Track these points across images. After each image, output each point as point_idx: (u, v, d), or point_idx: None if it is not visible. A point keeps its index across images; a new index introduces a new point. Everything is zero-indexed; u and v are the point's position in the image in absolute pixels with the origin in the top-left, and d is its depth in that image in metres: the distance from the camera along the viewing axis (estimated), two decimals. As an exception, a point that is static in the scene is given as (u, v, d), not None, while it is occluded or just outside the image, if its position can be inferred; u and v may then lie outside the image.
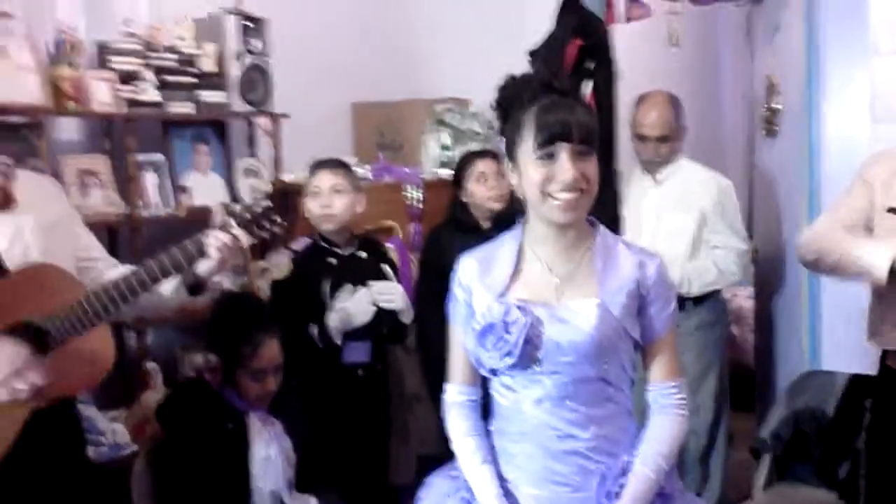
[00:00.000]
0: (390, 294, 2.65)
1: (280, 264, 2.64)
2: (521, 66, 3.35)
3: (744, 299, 4.51)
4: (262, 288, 2.79)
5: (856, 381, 2.74)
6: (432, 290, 2.82)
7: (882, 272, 1.99)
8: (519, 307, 1.65)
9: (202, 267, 1.98)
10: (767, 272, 3.61)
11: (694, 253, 3.12)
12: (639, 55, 4.10)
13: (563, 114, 1.62)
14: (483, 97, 3.77)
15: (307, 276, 2.64)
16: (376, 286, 2.63)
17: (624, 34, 3.79)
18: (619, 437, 1.70)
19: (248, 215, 2.03)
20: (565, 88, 1.71)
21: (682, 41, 5.00)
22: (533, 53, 3.35)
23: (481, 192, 2.96)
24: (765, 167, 3.71)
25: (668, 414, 1.73)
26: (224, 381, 2.34)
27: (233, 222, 1.98)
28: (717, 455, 3.22)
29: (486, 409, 1.80)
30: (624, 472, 1.66)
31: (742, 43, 4.37)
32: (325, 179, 2.67)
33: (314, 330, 2.59)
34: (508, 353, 1.63)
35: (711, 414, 3.18)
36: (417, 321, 2.83)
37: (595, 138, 1.65)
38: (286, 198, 3.24)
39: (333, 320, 2.57)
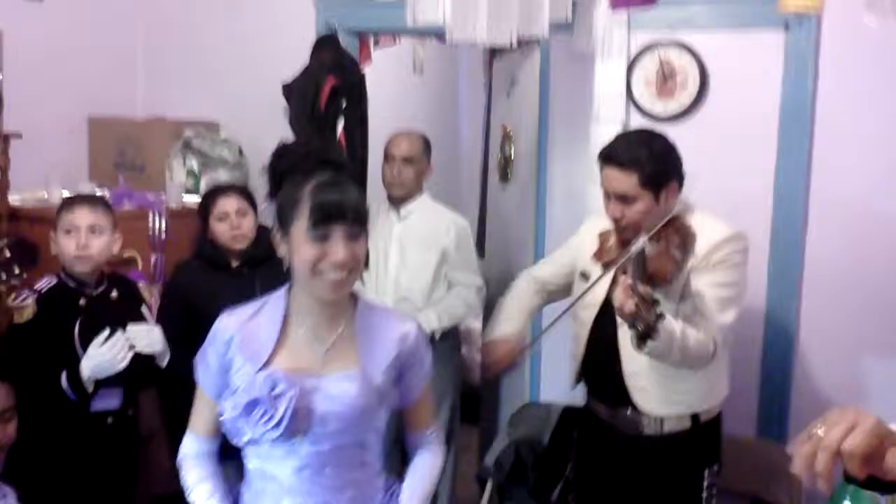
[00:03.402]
0: (149, 338, 2.51)
1: (23, 307, 2.43)
2: (274, 96, 3.39)
3: (472, 320, 4.82)
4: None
5: (567, 412, 3.04)
6: (175, 327, 2.76)
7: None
8: (285, 379, 1.66)
9: None
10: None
11: (434, 287, 3.31)
12: (385, 80, 4.25)
13: (337, 194, 1.65)
14: (233, 122, 3.77)
15: (54, 319, 2.46)
16: (132, 329, 2.47)
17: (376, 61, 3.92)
18: (373, 495, 1.80)
19: None
20: (341, 163, 1.77)
21: (427, 71, 5.25)
22: (287, 87, 3.37)
23: (223, 231, 2.84)
24: (498, 210, 4.01)
25: (429, 451, 1.90)
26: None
27: None
28: (445, 479, 3.45)
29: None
30: None
31: (480, 89, 4.64)
32: (83, 217, 2.48)
33: (63, 378, 2.40)
34: (275, 427, 1.64)
35: (443, 437, 3.40)
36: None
37: (365, 217, 1.70)
38: (16, 222, 3.02)
39: (87, 368, 2.39)
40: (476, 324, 4.62)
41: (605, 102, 3.18)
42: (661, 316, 1.97)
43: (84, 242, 2.46)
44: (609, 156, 2.26)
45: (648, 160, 2.21)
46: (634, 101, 3.12)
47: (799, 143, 2.90)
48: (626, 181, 2.21)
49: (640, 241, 1.99)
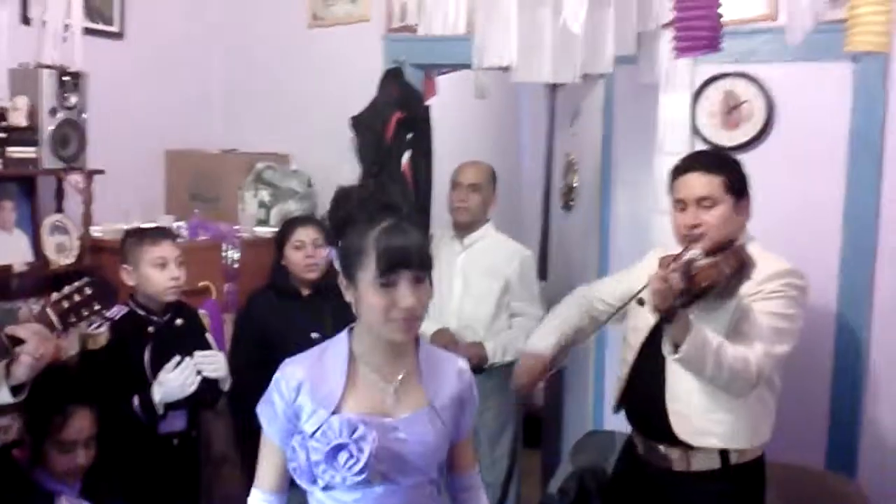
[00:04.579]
0: (215, 363, 2.65)
1: (97, 334, 2.57)
2: (342, 129, 3.49)
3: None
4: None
5: (631, 440, 3.05)
6: (248, 355, 2.88)
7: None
8: (362, 422, 1.66)
9: (19, 372, 1.91)
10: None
11: (496, 317, 3.34)
12: (449, 106, 4.32)
13: (402, 240, 1.64)
14: (303, 154, 3.88)
15: (125, 346, 2.59)
16: (200, 356, 2.62)
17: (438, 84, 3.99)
18: None
19: (66, 304, 1.99)
20: (402, 206, 1.78)
21: (489, 97, 5.30)
22: (355, 121, 3.46)
23: (297, 260, 2.98)
24: (561, 238, 4.04)
25: (475, 495, 1.90)
26: (33, 458, 2.27)
27: (50, 313, 1.94)
28: (510, 506, 3.48)
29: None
30: None
31: (542, 117, 4.67)
32: (170, 250, 2.67)
33: (136, 402, 2.54)
34: (360, 471, 1.64)
35: (506, 469, 3.43)
36: (232, 385, 2.85)
37: (429, 260, 1.70)
38: (98, 254, 3.16)
39: (159, 392, 2.54)
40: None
41: (670, 133, 3.17)
42: (685, 304, 1.96)
43: (177, 274, 2.64)
44: (691, 161, 2.32)
45: (732, 166, 2.29)
46: (699, 132, 3.13)
47: (868, 175, 2.87)
48: (709, 184, 2.24)
49: (695, 250, 2.02)
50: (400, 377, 1.74)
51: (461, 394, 1.81)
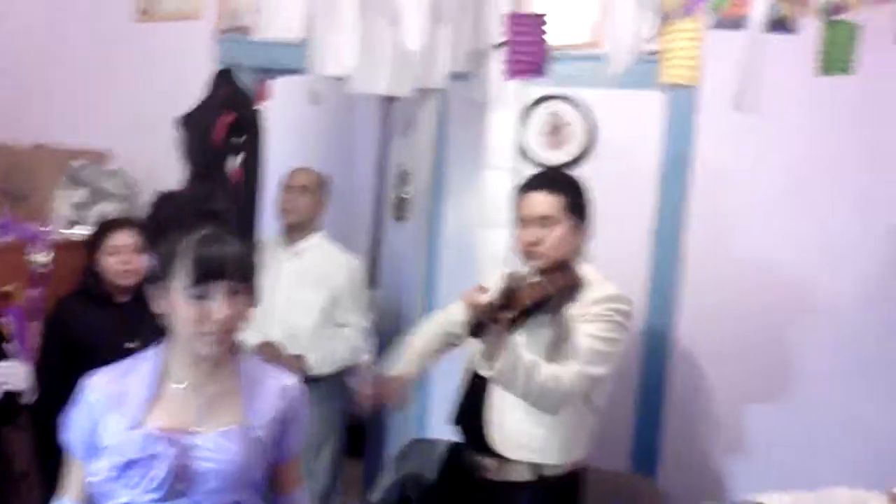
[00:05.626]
0: (13, 375, 2.46)
1: None
2: (168, 128, 3.35)
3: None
4: None
5: (454, 448, 3.09)
6: (56, 365, 2.69)
7: None
8: (162, 438, 1.60)
9: None
10: (385, 343, 3.93)
11: (322, 327, 3.31)
12: (282, 109, 4.24)
13: (218, 249, 1.60)
14: (126, 152, 3.69)
15: None
16: None
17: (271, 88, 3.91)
18: None
19: None
20: (223, 214, 1.74)
21: (323, 103, 5.25)
22: (183, 121, 3.33)
23: (111, 266, 2.80)
24: (392, 249, 4.06)
25: None
26: None
27: None
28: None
29: None
30: None
31: (377, 127, 4.68)
32: None
33: None
34: (156, 489, 1.59)
35: (325, 481, 3.40)
36: (37, 397, 2.66)
37: (251, 270, 1.66)
38: None
39: None
40: (365, 356, 4.63)
41: (498, 150, 3.27)
42: (496, 320, 1.98)
43: None
44: (533, 182, 2.36)
45: (573, 188, 2.35)
46: (526, 150, 3.24)
47: (676, 196, 3.08)
48: (550, 203, 2.29)
49: (527, 269, 2.06)
50: (211, 392, 1.69)
51: (285, 413, 1.76)
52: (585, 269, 2.23)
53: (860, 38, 2.27)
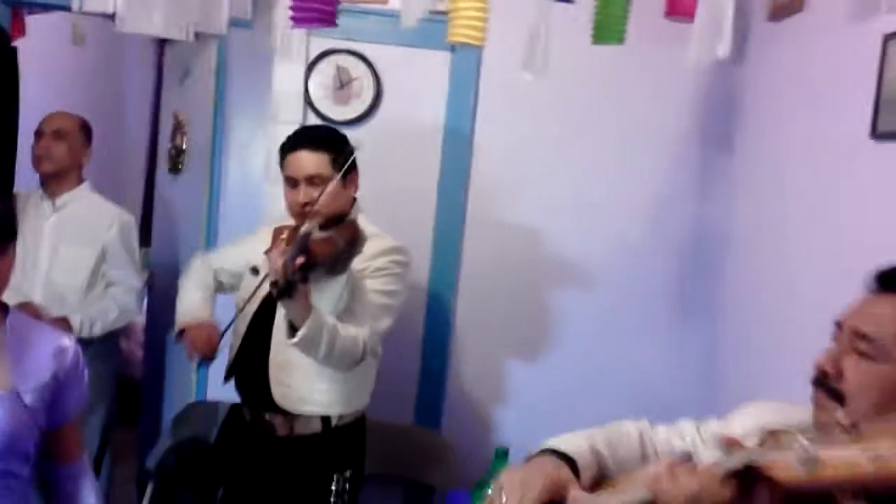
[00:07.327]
0: None
1: None
2: None
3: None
4: None
5: (235, 410, 3.03)
6: None
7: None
8: None
9: None
10: (161, 299, 3.76)
11: (91, 286, 3.12)
12: (40, 52, 3.89)
13: None
14: None
15: None
16: None
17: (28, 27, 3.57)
18: None
19: None
20: None
21: (89, 43, 4.87)
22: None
23: None
24: (167, 203, 3.85)
25: (88, 484, 1.77)
26: None
27: None
28: (101, 485, 3.26)
29: None
30: None
31: (150, 72, 4.42)
32: None
33: None
34: None
35: (96, 445, 3.21)
36: None
37: (9, 230, 1.56)
38: None
39: None
40: (139, 318, 4.39)
41: (284, 103, 3.19)
42: (305, 279, 1.98)
43: None
44: (298, 140, 2.33)
45: (338, 143, 2.33)
46: (312, 104, 3.17)
47: (460, 157, 3.14)
48: (317, 161, 2.28)
49: (309, 224, 2.04)
50: None
51: (59, 375, 1.66)
52: (362, 222, 2.22)
53: (632, 9, 2.41)
